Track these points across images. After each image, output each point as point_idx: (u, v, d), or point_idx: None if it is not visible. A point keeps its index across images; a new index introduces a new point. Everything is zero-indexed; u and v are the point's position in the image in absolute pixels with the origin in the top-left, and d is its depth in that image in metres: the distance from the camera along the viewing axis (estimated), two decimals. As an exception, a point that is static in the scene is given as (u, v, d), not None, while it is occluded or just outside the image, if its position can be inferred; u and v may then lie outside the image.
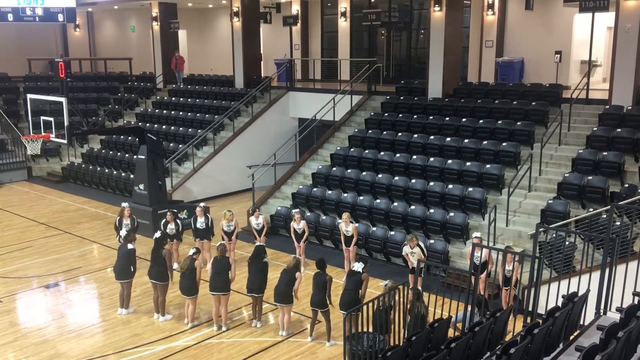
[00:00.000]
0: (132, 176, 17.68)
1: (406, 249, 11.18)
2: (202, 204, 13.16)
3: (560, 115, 13.98)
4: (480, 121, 15.22)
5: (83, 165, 21.15)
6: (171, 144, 19.92)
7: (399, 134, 15.96)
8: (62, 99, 14.49)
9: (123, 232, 11.26)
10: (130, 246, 10.76)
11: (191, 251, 10.21)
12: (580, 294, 7.02)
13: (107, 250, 14.11)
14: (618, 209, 10.32)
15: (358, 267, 9.51)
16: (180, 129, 20.70)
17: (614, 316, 6.89)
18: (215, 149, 19.06)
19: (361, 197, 14.49)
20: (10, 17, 23.62)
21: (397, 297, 8.41)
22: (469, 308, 7.90)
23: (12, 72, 25.76)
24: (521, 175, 13.03)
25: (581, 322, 7.26)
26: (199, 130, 19.82)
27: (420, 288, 8.95)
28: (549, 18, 18.43)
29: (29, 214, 17.38)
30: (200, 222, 12.66)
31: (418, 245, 11.09)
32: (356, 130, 17.02)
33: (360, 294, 9.44)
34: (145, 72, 26.44)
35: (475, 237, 10.58)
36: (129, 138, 20.69)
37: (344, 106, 18.20)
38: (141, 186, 15.39)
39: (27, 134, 16.93)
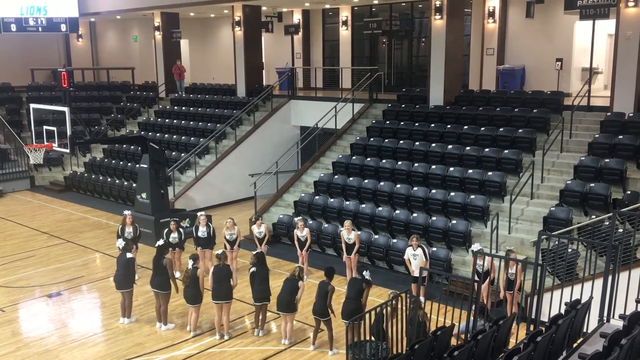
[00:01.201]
0: (134, 185, 17.72)
1: (408, 252, 11.16)
2: (202, 213, 13.16)
3: (562, 123, 13.99)
4: (482, 129, 15.23)
5: (85, 175, 21.19)
6: (173, 153, 19.96)
7: (401, 141, 15.98)
8: (65, 109, 14.56)
9: (121, 243, 11.17)
10: (129, 255, 10.76)
11: (190, 262, 10.19)
12: (583, 301, 6.99)
13: (109, 259, 14.10)
14: (620, 215, 10.30)
15: (367, 274, 9.51)
16: (183, 137, 20.74)
17: (617, 323, 6.87)
18: (217, 157, 19.09)
19: (363, 205, 14.49)
20: (13, 27, 23.76)
21: (399, 305, 8.39)
22: (472, 316, 7.87)
23: (15, 82, 25.88)
24: (523, 182, 13.04)
25: (584, 330, 7.23)
26: (201, 139, 19.86)
27: (421, 297, 8.94)
28: (550, 26, 18.47)
29: (31, 224, 17.40)
30: (202, 231, 12.67)
31: (420, 246, 11.08)
32: (358, 138, 17.04)
33: (362, 303, 9.43)
34: (148, 82, 26.54)
35: (477, 248, 10.56)
36: (132, 147, 20.74)
37: (345, 114, 18.23)
38: (143, 195, 15.41)
39: (30, 143, 16.96)
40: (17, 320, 11.19)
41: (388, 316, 8.36)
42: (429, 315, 8.60)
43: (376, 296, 11.30)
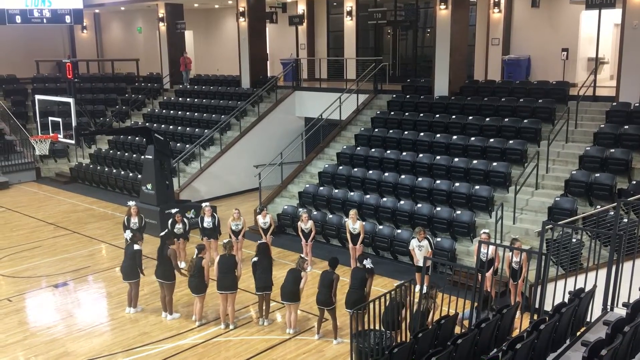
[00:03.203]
0: (139, 176, 17.77)
1: (414, 242, 11.18)
2: (207, 204, 13.20)
3: (567, 113, 13.94)
4: (487, 119, 15.19)
5: (91, 166, 21.27)
6: (178, 144, 19.99)
7: (406, 132, 15.96)
8: (70, 100, 14.59)
9: (128, 234, 11.23)
10: (136, 247, 10.81)
11: (196, 252, 10.26)
12: (586, 290, 7.00)
13: (115, 250, 14.19)
14: (625, 205, 10.29)
15: (368, 263, 9.55)
16: (187, 129, 20.77)
17: (620, 312, 6.88)
18: (222, 148, 19.12)
19: (368, 196, 14.50)
20: (18, 19, 23.78)
21: (408, 295, 8.43)
22: (476, 305, 7.89)
23: (20, 74, 25.94)
24: (528, 172, 13.01)
25: (588, 319, 7.24)
26: (206, 130, 19.89)
27: (430, 285, 8.97)
28: (556, 15, 18.38)
29: (37, 214, 17.50)
30: (207, 222, 12.73)
31: (426, 238, 11.10)
32: (362, 129, 17.03)
33: (366, 292, 9.47)
34: (152, 73, 26.55)
35: (484, 232, 10.58)
36: (137, 138, 20.79)
37: (350, 105, 18.21)
38: (149, 186, 15.47)
39: (36, 134, 17.04)
40: (24, 310, 11.28)
41: (400, 304, 8.40)
42: (438, 304, 8.63)
43: (380, 286, 11.34)
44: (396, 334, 8.52)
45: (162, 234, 10.84)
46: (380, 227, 13.60)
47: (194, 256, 10.24)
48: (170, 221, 12.68)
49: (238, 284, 10.28)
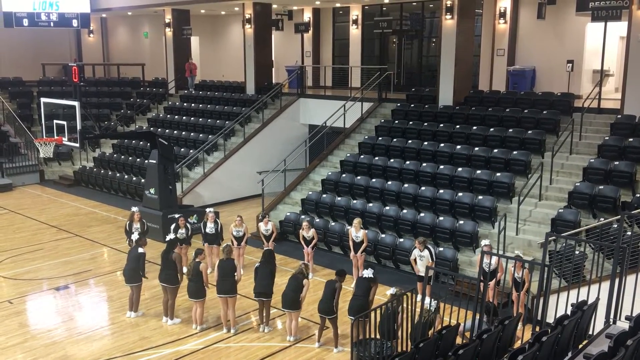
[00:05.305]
0: (143, 180, 17.79)
1: (415, 252, 11.14)
2: (210, 209, 13.20)
3: (572, 124, 13.93)
4: (491, 129, 15.19)
5: (95, 169, 21.31)
6: (182, 149, 20.03)
7: (409, 141, 15.96)
8: (75, 103, 14.64)
9: (135, 236, 11.31)
10: (140, 250, 10.82)
11: (193, 256, 10.26)
12: (589, 303, 6.97)
13: (117, 254, 14.19)
14: (629, 218, 10.26)
15: (367, 273, 9.53)
16: (192, 134, 20.81)
17: (623, 325, 6.84)
18: (226, 154, 19.14)
19: (370, 204, 14.48)
20: (25, 22, 23.94)
21: (403, 304, 8.39)
22: (478, 315, 7.86)
23: (26, 77, 26.06)
24: (532, 184, 12.99)
25: (590, 332, 7.20)
26: (210, 136, 19.92)
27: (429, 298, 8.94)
28: (561, 27, 18.40)
29: (40, 217, 17.52)
30: (210, 227, 12.72)
31: (427, 248, 11.06)
32: (366, 137, 17.04)
33: (369, 300, 9.44)
34: (158, 78, 26.63)
35: (485, 245, 10.54)
36: (141, 143, 20.83)
37: (354, 113, 18.23)
38: (152, 190, 15.48)
39: (40, 137, 17.08)
40: (24, 313, 11.27)
41: (393, 313, 8.36)
42: (440, 317, 8.59)
43: (382, 295, 11.30)
44: (396, 344, 8.48)
45: (170, 238, 10.85)
46: (383, 235, 13.57)
47: (192, 260, 10.25)
48: (173, 226, 12.68)
49: (237, 288, 10.26)
